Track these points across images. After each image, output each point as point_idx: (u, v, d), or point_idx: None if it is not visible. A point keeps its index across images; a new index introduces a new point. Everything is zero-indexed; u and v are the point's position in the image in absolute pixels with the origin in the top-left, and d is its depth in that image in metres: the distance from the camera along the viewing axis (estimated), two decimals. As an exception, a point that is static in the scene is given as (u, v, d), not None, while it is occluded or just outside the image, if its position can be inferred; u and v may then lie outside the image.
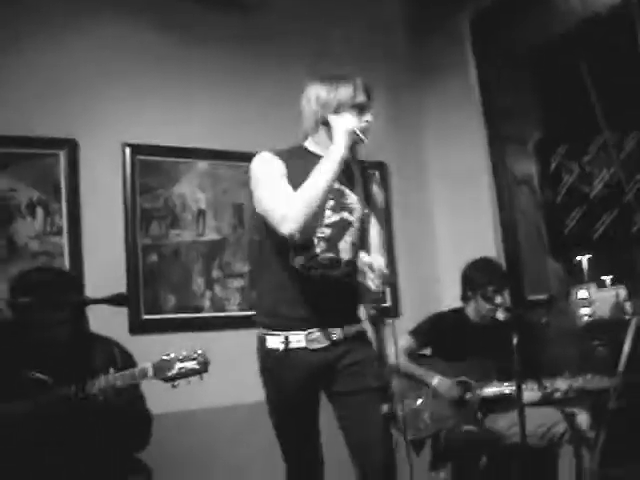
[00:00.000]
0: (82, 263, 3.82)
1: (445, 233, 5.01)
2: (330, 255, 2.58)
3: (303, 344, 2.55)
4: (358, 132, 2.48)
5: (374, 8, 5.12)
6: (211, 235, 4.21)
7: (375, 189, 2.78)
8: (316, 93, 2.61)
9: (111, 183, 3.98)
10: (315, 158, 2.56)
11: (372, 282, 2.34)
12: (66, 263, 3.76)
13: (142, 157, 4.07)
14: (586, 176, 4.50)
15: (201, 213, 4.20)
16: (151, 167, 4.09)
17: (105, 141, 4.00)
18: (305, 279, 2.56)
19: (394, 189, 4.94)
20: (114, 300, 2.45)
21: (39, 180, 3.79)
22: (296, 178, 2.51)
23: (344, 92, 2.57)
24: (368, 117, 2.60)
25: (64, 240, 3.80)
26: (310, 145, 2.69)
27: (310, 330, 2.55)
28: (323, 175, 2.42)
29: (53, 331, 2.72)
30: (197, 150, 4.23)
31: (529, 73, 5.18)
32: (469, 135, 4.83)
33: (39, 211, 3.78)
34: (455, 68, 4.93)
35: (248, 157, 4.07)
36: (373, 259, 2.39)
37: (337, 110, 2.56)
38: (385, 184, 4.83)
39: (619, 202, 4.23)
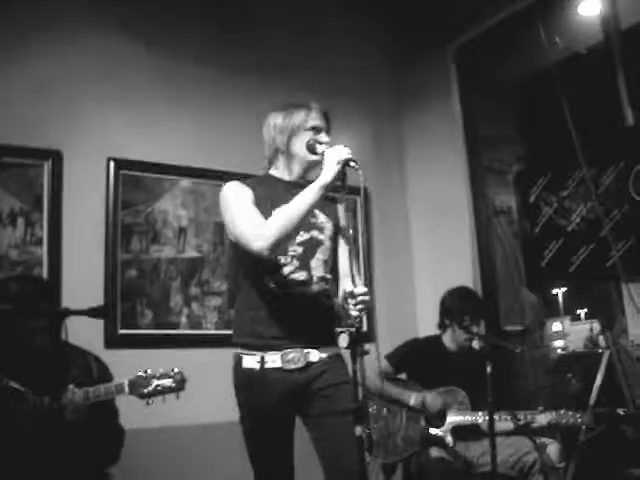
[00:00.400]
0: (61, 274, 3.80)
1: (424, 261, 5.05)
2: (302, 273, 2.61)
3: (279, 364, 2.55)
4: (351, 161, 2.50)
5: (359, 38, 5.19)
6: (191, 252, 4.21)
7: (341, 210, 2.82)
8: (273, 121, 2.75)
9: (94, 196, 3.98)
10: (279, 184, 2.72)
11: (353, 308, 2.35)
12: (45, 274, 3.74)
13: (126, 172, 4.07)
14: (564, 209, 4.56)
15: (182, 230, 4.21)
16: (134, 182, 4.10)
17: (90, 154, 4.00)
18: (279, 298, 2.59)
19: (375, 216, 4.99)
20: (94, 312, 2.45)
21: (22, 190, 3.79)
22: (263, 204, 2.61)
23: (297, 117, 2.71)
24: (323, 138, 2.70)
25: (44, 250, 3.79)
26: (273, 172, 2.80)
27: (286, 350, 2.56)
28: (305, 200, 2.49)
29: (31, 340, 2.71)
30: (180, 167, 4.25)
31: (511, 105, 5.28)
32: (450, 165, 4.89)
33: (20, 221, 3.76)
34: (438, 98, 5.01)
35: (231, 176, 4.13)
36: (353, 286, 2.40)
37: (292, 135, 2.69)
38: (366, 210, 4.88)
39: (596, 236, 4.29)
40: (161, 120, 4.26)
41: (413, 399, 3.72)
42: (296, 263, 2.62)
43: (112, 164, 4.04)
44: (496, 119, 5.13)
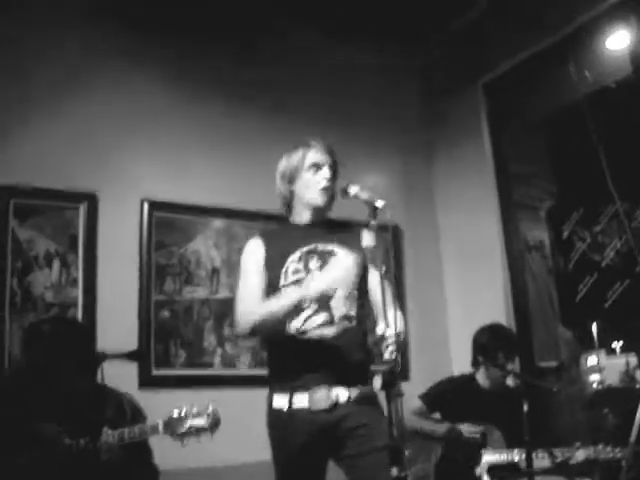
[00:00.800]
0: (95, 315, 3.84)
1: (456, 297, 5.01)
2: (322, 315, 2.60)
3: (306, 404, 2.54)
4: (377, 204, 2.49)
5: (389, 76, 5.25)
6: (224, 293, 4.23)
7: (367, 239, 2.76)
8: (279, 168, 2.79)
9: (128, 238, 4.04)
10: (296, 230, 2.76)
11: (386, 351, 2.34)
12: (79, 315, 3.79)
13: (159, 213, 4.13)
14: (598, 244, 4.51)
15: (215, 271, 4.24)
16: (168, 223, 4.16)
17: (124, 196, 4.07)
18: (301, 343, 2.58)
19: (407, 253, 4.99)
20: (129, 356, 2.47)
21: (58, 232, 3.86)
22: (275, 259, 2.66)
23: (295, 158, 2.73)
24: (325, 174, 2.69)
25: (79, 292, 3.84)
26: (292, 217, 2.82)
27: (313, 390, 2.54)
28: (283, 303, 2.53)
29: (67, 382, 2.73)
30: (213, 208, 4.31)
31: (542, 141, 5.26)
32: (482, 201, 4.88)
33: (56, 262, 3.83)
34: (469, 134, 5.01)
35: (263, 216, 4.23)
36: (384, 329, 2.38)
37: (292, 178, 2.72)
38: (398, 248, 4.88)
39: (631, 271, 4.24)
40: (193, 162, 4.32)
41: (445, 427, 3.66)
42: (315, 306, 2.60)
43: (146, 206, 4.10)
44: (527, 154, 5.12)
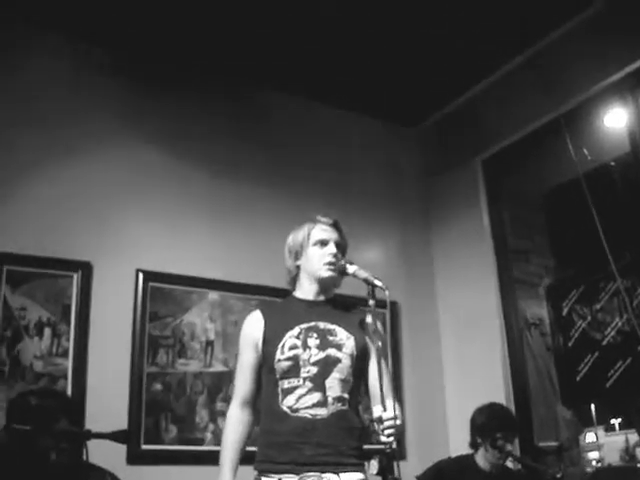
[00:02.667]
0: (85, 386, 3.75)
1: (454, 374, 4.93)
2: (315, 395, 2.54)
3: None
4: (375, 284, 2.48)
5: (389, 151, 5.30)
6: (218, 366, 4.15)
7: (370, 323, 2.73)
8: (287, 244, 2.82)
9: (122, 308, 3.98)
10: (299, 304, 2.74)
11: (382, 434, 2.28)
12: (69, 385, 3.70)
13: (154, 284, 4.08)
14: (598, 322, 4.48)
15: (209, 344, 4.17)
16: (163, 294, 4.10)
17: (119, 266, 4.02)
18: (292, 422, 2.51)
19: (404, 328, 4.92)
20: (116, 436, 2.40)
21: (50, 300, 3.80)
22: (277, 330, 2.64)
23: (300, 235, 2.76)
24: (331, 249, 2.70)
25: (69, 362, 3.76)
26: (296, 293, 2.81)
27: (302, 475, 2.45)
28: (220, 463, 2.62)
29: (49, 458, 2.64)
30: (209, 280, 4.25)
31: (541, 217, 5.29)
32: (480, 276, 4.84)
33: (47, 331, 3.76)
34: (468, 210, 5.01)
35: (260, 290, 4.19)
36: (381, 411, 2.32)
37: (298, 254, 2.75)
38: (396, 323, 4.82)
39: (632, 350, 4.19)
40: (191, 233, 4.30)
41: None
42: (309, 385, 2.55)
43: (141, 276, 4.05)
44: (526, 230, 5.13)
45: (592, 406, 4.74)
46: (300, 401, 2.53)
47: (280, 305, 2.85)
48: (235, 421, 2.64)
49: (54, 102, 4.08)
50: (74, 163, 4.07)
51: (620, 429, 4.60)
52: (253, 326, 2.71)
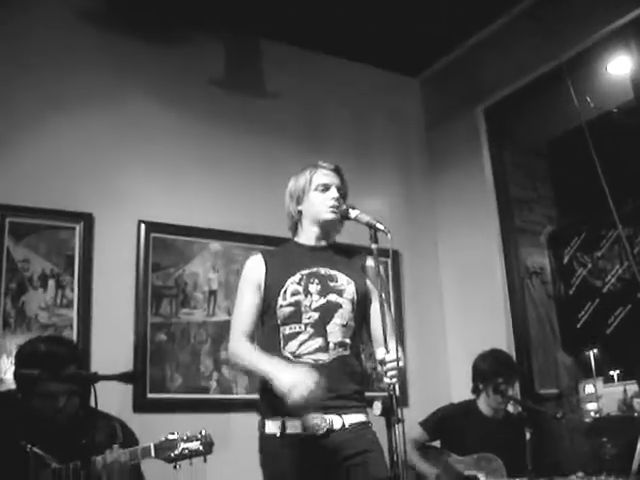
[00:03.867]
0: (90, 337, 3.78)
1: (456, 323, 4.97)
2: (317, 340, 2.57)
3: (299, 430, 2.49)
4: (378, 227, 2.48)
5: (391, 100, 5.26)
6: (221, 316, 4.18)
7: (372, 266, 2.75)
8: (288, 189, 2.82)
9: (124, 259, 3.99)
10: (300, 249, 2.75)
11: (385, 376, 2.30)
12: (74, 336, 3.72)
13: (156, 234, 4.09)
14: (599, 270, 4.48)
15: (212, 293, 4.19)
16: (165, 245, 4.11)
17: (121, 217, 4.03)
18: (296, 366, 2.53)
19: (407, 277, 4.94)
20: (123, 377, 2.42)
21: (53, 252, 3.81)
22: (278, 274, 2.66)
23: (302, 179, 2.77)
24: (333, 193, 2.71)
25: (73, 313, 3.78)
26: (297, 238, 2.83)
27: (307, 416, 2.49)
28: (256, 366, 2.55)
29: (57, 404, 2.67)
30: (211, 230, 4.26)
31: (543, 165, 5.25)
32: (482, 225, 4.85)
33: (51, 283, 3.77)
34: (469, 159, 5.00)
35: (262, 239, 4.19)
36: (385, 354, 2.34)
37: (300, 198, 2.75)
38: (397, 272, 4.84)
39: (632, 297, 4.20)
40: (192, 183, 4.29)
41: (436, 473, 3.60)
42: (310, 330, 2.58)
43: (143, 227, 4.06)
44: (528, 179, 5.10)
45: (592, 357, 4.76)
46: (302, 347, 2.57)
47: (280, 250, 2.84)
48: (244, 345, 2.62)
49: (50, 57, 4.05)
50: (73, 116, 4.04)
51: (619, 380, 4.62)
52: (255, 269, 2.72)
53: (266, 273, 2.68)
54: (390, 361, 2.28)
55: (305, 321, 2.59)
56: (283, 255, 2.77)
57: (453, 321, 5.00)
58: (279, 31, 4.68)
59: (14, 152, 3.85)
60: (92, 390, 2.39)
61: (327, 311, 2.61)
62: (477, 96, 4.96)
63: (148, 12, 4.36)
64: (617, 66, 4.29)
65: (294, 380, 2.35)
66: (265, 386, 2.59)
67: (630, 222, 4.23)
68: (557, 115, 4.74)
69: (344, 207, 2.66)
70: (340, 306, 2.64)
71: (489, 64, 4.84)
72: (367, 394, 2.68)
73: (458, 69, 5.11)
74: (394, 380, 2.27)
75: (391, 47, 4.94)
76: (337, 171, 2.80)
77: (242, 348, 2.60)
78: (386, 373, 2.28)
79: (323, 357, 2.56)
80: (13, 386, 2.77)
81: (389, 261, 4.57)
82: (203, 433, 2.64)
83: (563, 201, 5.12)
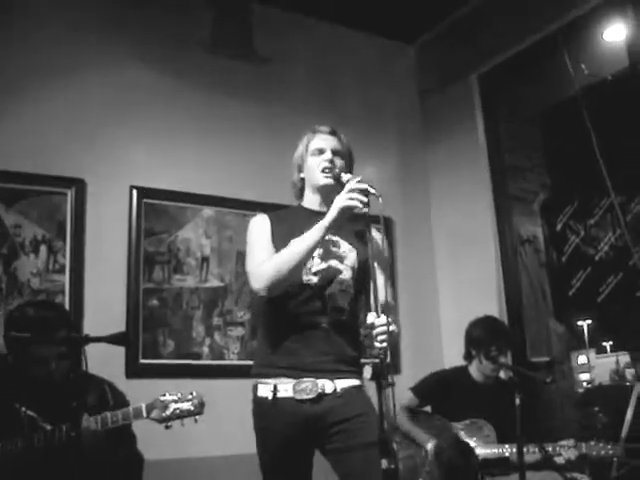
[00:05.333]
0: (82, 302, 3.79)
1: (449, 290, 4.98)
2: (315, 303, 2.56)
3: (290, 393, 2.49)
4: (370, 191, 2.46)
5: (386, 67, 5.22)
6: (214, 282, 4.18)
7: (376, 237, 2.72)
8: (293, 158, 2.79)
9: (116, 225, 3.98)
10: (305, 213, 2.71)
11: (376, 340, 2.29)
12: (67, 302, 3.73)
13: (148, 200, 4.07)
14: (592, 238, 4.49)
15: (205, 259, 4.18)
16: (157, 211, 4.10)
17: (113, 182, 4.01)
18: (292, 328, 2.54)
19: (399, 245, 4.94)
20: (114, 339, 2.42)
21: (45, 217, 3.80)
22: (283, 238, 2.59)
23: (300, 147, 2.76)
24: (327, 156, 2.68)
25: (66, 278, 3.78)
26: (303, 203, 2.79)
27: (299, 380, 2.49)
28: (303, 243, 2.48)
29: (48, 367, 2.68)
30: (204, 196, 4.25)
31: (537, 133, 5.24)
32: (475, 193, 4.84)
33: (42, 248, 3.76)
34: (462, 127, 4.98)
35: (255, 205, 4.19)
36: (375, 318, 2.33)
37: (301, 164, 2.73)
38: (391, 240, 4.83)
39: (625, 265, 4.21)
40: (185, 149, 4.27)
41: (429, 447, 3.61)
42: (309, 292, 2.57)
43: (135, 192, 4.04)
44: (521, 147, 5.10)
45: (585, 327, 4.79)
46: (300, 308, 2.56)
47: (284, 213, 2.80)
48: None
49: (41, 22, 4.00)
50: (63, 82, 4.02)
51: (611, 351, 4.66)
52: (263, 225, 2.68)
53: (272, 233, 2.65)
54: (380, 325, 2.28)
55: (305, 282, 2.57)
56: (287, 217, 2.74)
57: (446, 288, 5.01)
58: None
59: (5, 118, 3.82)
60: (83, 353, 2.40)
61: (327, 275, 2.60)
62: (471, 64, 4.92)
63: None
64: (613, 33, 4.25)
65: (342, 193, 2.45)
66: (261, 346, 2.61)
67: (623, 190, 4.22)
68: (552, 83, 4.72)
69: (337, 170, 2.64)
70: (340, 272, 2.62)
71: (483, 32, 4.79)
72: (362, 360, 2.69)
73: (452, 37, 5.06)
74: (384, 344, 2.27)
75: (386, 14, 4.88)
76: (334, 134, 2.75)
77: (269, 260, 2.54)
78: (376, 337, 2.27)
79: (320, 320, 2.56)
80: (4, 351, 2.77)
81: (381, 227, 4.55)
82: (194, 394, 2.67)
83: (557, 169, 5.12)
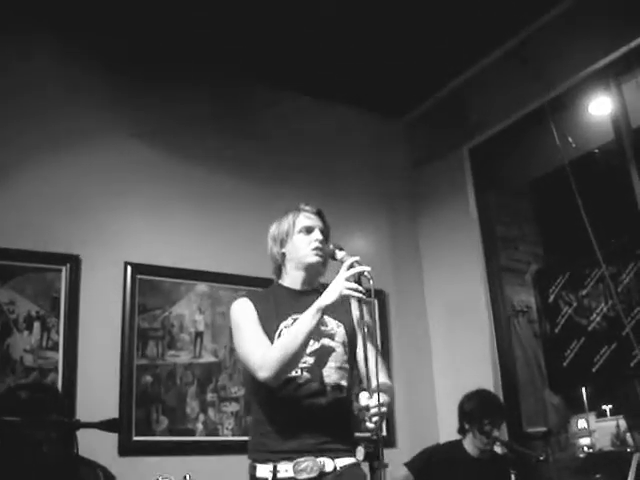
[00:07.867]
0: (76, 379, 3.76)
1: (443, 362, 4.96)
2: (313, 384, 2.57)
3: (291, 474, 2.47)
4: (367, 274, 2.47)
5: (376, 141, 5.32)
6: (208, 357, 4.17)
7: (354, 308, 2.75)
8: (271, 232, 2.82)
9: (111, 301, 3.98)
10: (287, 293, 2.74)
11: (369, 421, 2.29)
12: (59, 379, 3.71)
13: (143, 276, 4.09)
14: (584, 308, 4.51)
15: (198, 335, 4.18)
16: (151, 286, 4.11)
17: (107, 258, 4.03)
18: (291, 412, 2.54)
19: (392, 317, 4.95)
20: (106, 425, 2.41)
21: (39, 294, 3.81)
22: (268, 319, 2.63)
23: (285, 222, 2.77)
24: (317, 235, 2.71)
25: (59, 356, 3.77)
26: (282, 281, 2.81)
27: (299, 460, 2.48)
28: (302, 327, 2.48)
29: (40, 452, 2.65)
30: (197, 272, 4.26)
31: (528, 204, 5.31)
32: (468, 264, 4.87)
33: (36, 325, 3.76)
34: (454, 198, 5.04)
35: (248, 280, 4.21)
36: (367, 399, 2.34)
37: (284, 242, 2.75)
38: (384, 312, 4.85)
39: (618, 335, 4.22)
40: (179, 224, 4.31)
41: None
42: (307, 375, 2.58)
43: (129, 268, 4.06)
44: (512, 218, 5.15)
45: (583, 393, 4.78)
46: (297, 392, 2.55)
47: (265, 294, 2.81)
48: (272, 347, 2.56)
49: (37, 98, 4.07)
50: (59, 158, 4.06)
51: (611, 415, 4.63)
52: (248, 308, 2.67)
53: (259, 316, 2.65)
54: (373, 406, 2.28)
55: (301, 365, 2.57)
56: (269, 298, 2.74)
57: (440, 360, 5.00)
58: (263, 73, 4.73)
59: None
60: (74, 437, 2.38)
61: (322, 355, 2.61)
62: (461, 137, 5.02)
63: (130, 50, 4.41)
64: (598, 107, 4.35)
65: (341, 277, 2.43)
66: (258, 430, 2.59)
67: (614, 261, 4.26)
68: (541, 155, 4.80)
69: (330, 248, 2.66)
70: (334, 350, 2.64)
71: (473, 105, 4.92)
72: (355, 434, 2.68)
73: (442, 110, 5.18)
74: (377, 425, 2.27)
75: (376, 89, 5.00)
76: (319, 214, 2.81)
77: (272, 348, 2.54)
78: (370, 419, 2.27)
79: (320, 401, 2.56)
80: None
81: (374, 301, 4.58)
82: (187, 478, 2.63)
83: (549, 240, 5.17)
